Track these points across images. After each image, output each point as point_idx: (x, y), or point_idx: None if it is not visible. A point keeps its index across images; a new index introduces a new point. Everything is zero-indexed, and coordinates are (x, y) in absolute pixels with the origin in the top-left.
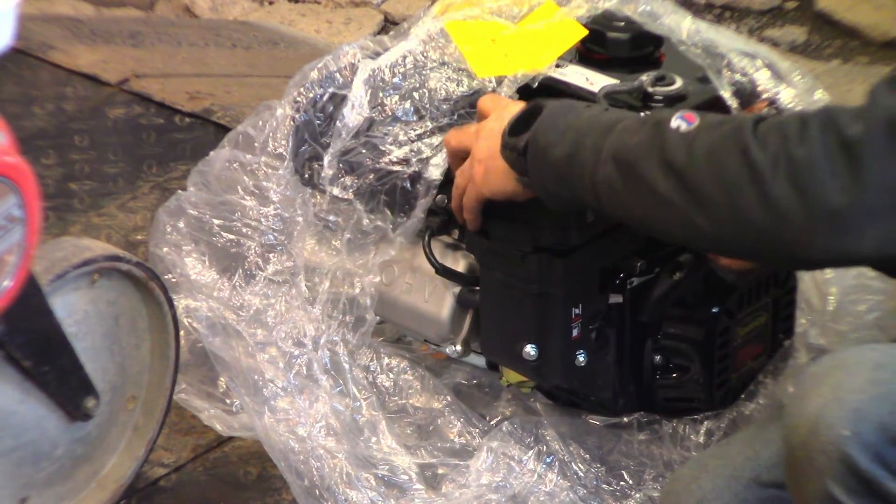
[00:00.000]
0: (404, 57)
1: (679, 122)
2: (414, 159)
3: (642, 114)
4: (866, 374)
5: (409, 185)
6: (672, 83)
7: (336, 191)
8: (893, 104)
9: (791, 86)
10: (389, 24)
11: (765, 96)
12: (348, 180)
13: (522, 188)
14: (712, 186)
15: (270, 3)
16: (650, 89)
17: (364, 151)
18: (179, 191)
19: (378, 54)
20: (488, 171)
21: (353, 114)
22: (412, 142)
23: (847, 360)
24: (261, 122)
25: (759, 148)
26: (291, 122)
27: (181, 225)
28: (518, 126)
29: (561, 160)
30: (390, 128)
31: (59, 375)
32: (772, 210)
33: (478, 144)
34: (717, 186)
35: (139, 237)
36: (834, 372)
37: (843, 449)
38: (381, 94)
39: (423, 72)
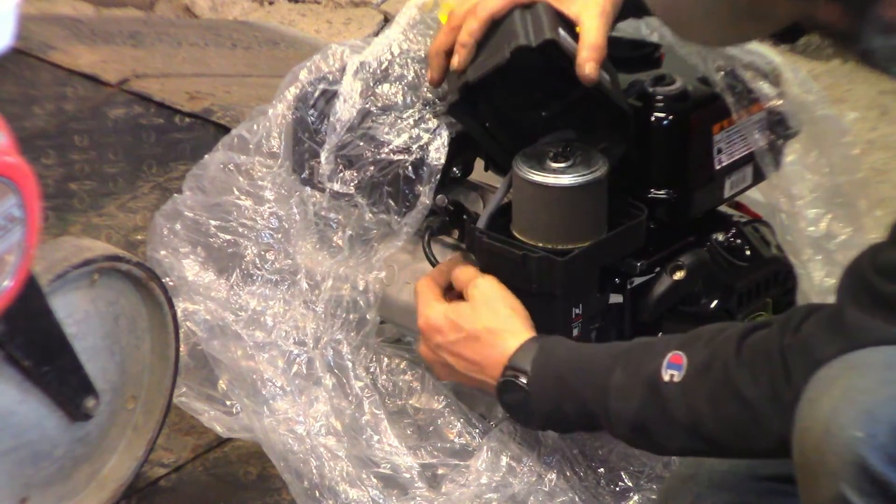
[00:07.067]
0: (390, 46)
1: (670, 372)
2: (415, 146)
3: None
4: (877, 375)
5: (411, 172)
6: (672, 83)
7: (336, 186)
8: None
9: (790, 86)
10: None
11: (764, 97)
12: (348, 175)
13: None
14: (726, 435)
15: (270, 3)
16: (650, 89)
17: (361, 144)
18: (175, 194)
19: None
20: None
21: (346, 108)
22: (409, 129)
23: (856, 361)
24: (255, 126)
25: (750, 384)
26: (284, 122)
27: (178, 228)
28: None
29: (574, 416)
30: (385, 117)
31: (59, 375)
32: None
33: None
34: (730, 435)
35: (139, 237)
36: (845, 374)
37: (856, 451)
38: (371, 85)
39: (411, 56)
